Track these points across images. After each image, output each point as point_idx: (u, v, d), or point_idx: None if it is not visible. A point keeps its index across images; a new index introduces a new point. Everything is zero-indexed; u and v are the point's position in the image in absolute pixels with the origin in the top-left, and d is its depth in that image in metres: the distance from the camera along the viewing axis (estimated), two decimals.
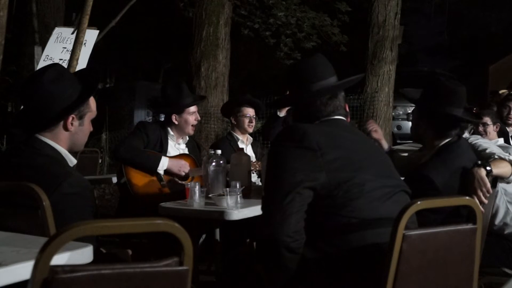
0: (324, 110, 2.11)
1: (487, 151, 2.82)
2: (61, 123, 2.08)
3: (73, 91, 2.09)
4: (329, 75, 2.15)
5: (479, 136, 3.26)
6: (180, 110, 3.80)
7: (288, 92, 2.33)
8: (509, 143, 4.50)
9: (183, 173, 3.64)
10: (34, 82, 2.06)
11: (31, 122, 2.09)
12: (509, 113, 5.17)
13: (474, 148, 2.90)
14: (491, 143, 3.07)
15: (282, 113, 4.61)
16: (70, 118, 2.08)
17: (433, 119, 2.71)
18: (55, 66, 2.14)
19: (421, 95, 2.80)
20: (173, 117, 3.81)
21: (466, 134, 3.34)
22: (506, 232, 3.01)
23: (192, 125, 3.86)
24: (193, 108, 3.87)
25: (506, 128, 5.06)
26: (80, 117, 2.12)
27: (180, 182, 3.66)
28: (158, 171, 3.59)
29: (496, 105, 5.46)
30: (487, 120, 4.34)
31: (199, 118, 3.93)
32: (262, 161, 3.43)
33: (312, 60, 2.19)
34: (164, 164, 3.57)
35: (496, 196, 2.99)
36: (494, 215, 3.00)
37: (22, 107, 2.27)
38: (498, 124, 4.39)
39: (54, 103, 2.05)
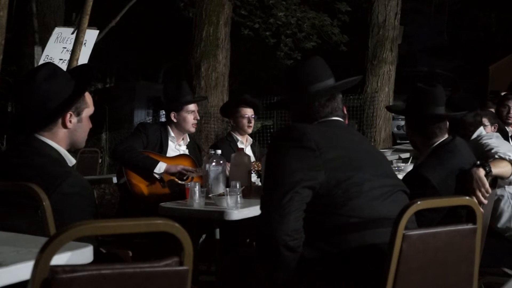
0: (322, 111, 2.13)
1: (493, 150, 2.84)
2: (59, 121, 2.07)
3: (68, 87, 2.08)
4: (327, 77, 2.17)
5: (493, 135, 3.26)
6: (179, 108, 3.80)
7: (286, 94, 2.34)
8: (509, 143, 4.51)
9: (179, 169, 3.59)
10: (28, 82, 2.06)
11: (29, 122, 2.08)
12: (508, 112, 5.21)
13: (482, 146, 2.93)
14: (503, 142, 3.08)
15: None
16: (68, 115, 2.08)
17: (417, 123, 2.79)
18: (47, 65, 2.13)
19: (405, 106, 2.88)
20: (172, 114, 3.82)
21: (482, 131, 3.33)
22: (507, 234, 3.01)
23: (192, 124, 3.85)
24: (192, 107, 3.86)
25: (506, 127, 5.08)
26: (78, 114, 2.12)
27: (180, 182, 3.66)
28: (154, 173, 3.57)
29: (496, 105, 5.47)
30: (485, 121, 4.35)
31: (198, 117, 3.93)
32: (261, 162, 3.43)
33: (310, 62, 2.20)
34: (161, 167, 3.55)
35: (501, 200, 3.01)
36: (497, 218, 3.01)
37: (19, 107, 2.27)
38: (496, 124, 4.39)
39: (50, 101, 2.05)
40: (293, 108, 2.25)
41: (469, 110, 3.24)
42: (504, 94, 5.76)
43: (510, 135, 5.04)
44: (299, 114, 2.18)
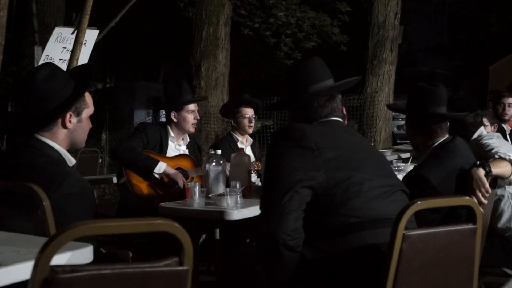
0: (321, 111, 2.14)
1: (493, 151, 2.84)
2: (59, 121, 2.08)
3: (67, 88, 2.08)
4: (326, 78, 2.18)
5: (494, 135, 3.27)
6: (179, 107, 3.80)
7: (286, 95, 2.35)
8: (507, 140, 4.51)
9: (177, 178, 3.56)
10: (28, 83, 2.06)
11: (29, 122, 2.08)
12: (504, 110, 5.28)
13: (482, 146, 2.93)
14: (504, 142, 3.07)
15: None
16: (68, 115, 2.08)
17: (418, 122, 2.78)
18: (47, 65, 2.14)
19: (406, 105, 2.86)
20: (172, 114, 3.82)
21: (483, 131, 3.33)
22: (507, 234, 3.01)
23: (192, 124, 3.85)
24: (192, 107, 3.86)
25: (503, 125, 5.11)
26: (78, 114, 2.12)
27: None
28: (154, 173, 3.56)
29: (491, 104, 5.52)
30: (485, 121, 4.36)
31: (198, 117, 3.92)
32: (261, 162, 3.43)
33: (309, 63, 2.22)
34: (161, 168, 3.55)
35: (501, 200, 3.01)
36: (497, 218, 3.01)
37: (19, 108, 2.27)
38: (496, 124, 4.41)
39: (50, 101, 2.05)
40: (293, 109, 2.25)
41: (469, 111, 3.23)
42: (499, 92, 5.82)
43: (508, 132, 5.07)
44: (299, 115, 2.18)
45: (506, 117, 5.27)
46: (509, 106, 5.32)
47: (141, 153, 3.58)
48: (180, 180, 3.55)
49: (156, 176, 3.57)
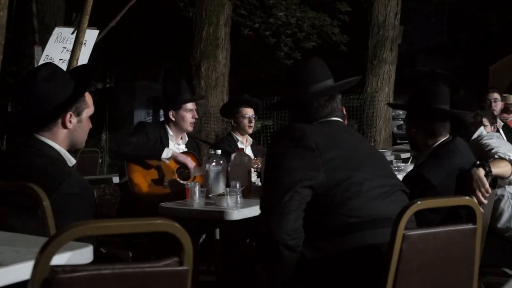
0: (321, 111, 2.14)
1: (493, 151, 2.84)
2: (59, 121, 2.08)
3: (68, 88, 2.08)
4: (326, 78, 2.18)
5: (494, 135, 3.26)
6: (177, 106, 3.80)
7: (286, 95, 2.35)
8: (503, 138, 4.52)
9: (187, 161, 3.59)
10: (28, 83, 2.06)
11: (29, 122, 2.09)
12: (490, 106, 5.30)
13: (482, 146, 2.93)
14: (504, 142, 3.07)
15: None
16: (68, 115, 2.08)
17: (421, 120, 2.76)
18: (47, 65, 2.14)
19: (407, 103, 2.85)
20: (170, 113, 3.82)
21: (483, 131, 3.33)
22: (507, 234, 3.01)
23: (190, 123, 3.85)
24: (190, 105, 3.86)
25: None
26: (78, 114, 2.12)
27: (181, 182, 3.66)
28: (163, 158, 3.56)
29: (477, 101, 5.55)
30: (485, 121, 4.36)
31: (196, 116, 3.92)
32: (262, 160, 3.43)
33: (309, 63, 2.22)
34: (168, 152, 3.56)
35: (501, 200, 3.01)
36: (497, 218, 3.01)
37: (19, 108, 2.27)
38: (496, 124, 4.41)
39: (50, 101, 2.05)
40: (293, 109, 2.26)
41: (469, 110, 3.23)
42: (485, 89, 5.86)
43: (501, 127, 5.08)
44: (299, 115, 2.19)
45: (495, 113, 5.29)
46: (495, 101, 5.35)
47: (144, 144, 3.60)
48: (190, 162, 3.57)
49: (165, 161, 3.57)
